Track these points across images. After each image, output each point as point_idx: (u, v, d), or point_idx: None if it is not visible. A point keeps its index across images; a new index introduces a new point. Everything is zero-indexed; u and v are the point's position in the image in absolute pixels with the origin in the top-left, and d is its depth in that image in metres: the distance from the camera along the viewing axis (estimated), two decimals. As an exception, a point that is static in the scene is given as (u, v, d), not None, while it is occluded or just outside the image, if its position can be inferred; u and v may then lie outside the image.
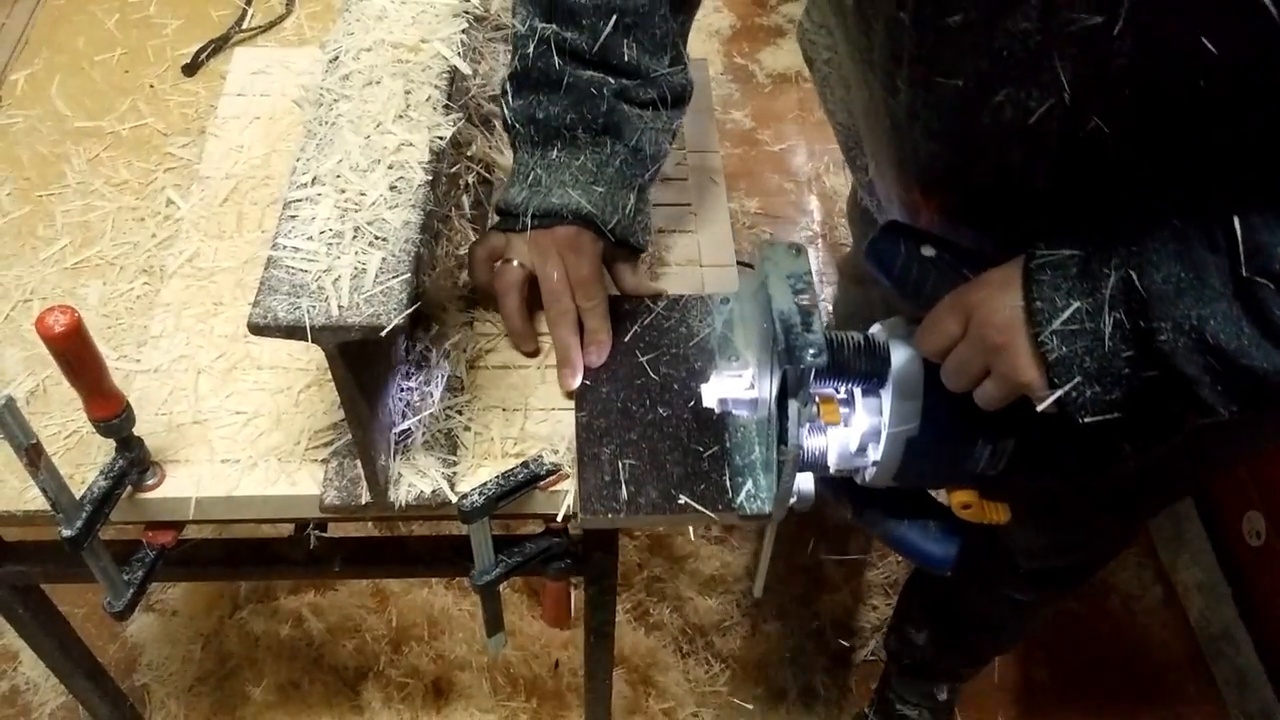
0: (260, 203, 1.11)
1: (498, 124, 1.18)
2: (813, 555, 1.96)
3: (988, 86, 0.76)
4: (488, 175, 1.14)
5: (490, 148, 1.15)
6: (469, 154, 1.13)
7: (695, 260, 1.10)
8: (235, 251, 1.07)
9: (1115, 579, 1.98)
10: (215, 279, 1.05)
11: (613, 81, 0.94)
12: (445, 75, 0.89)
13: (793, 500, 0.87)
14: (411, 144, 0.83)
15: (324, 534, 1.02)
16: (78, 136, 1.21)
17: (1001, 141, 0.79)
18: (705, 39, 2.81)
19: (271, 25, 1.35)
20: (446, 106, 0.87)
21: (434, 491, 0.90)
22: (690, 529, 1.90)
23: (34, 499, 0.92)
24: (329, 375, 0.96)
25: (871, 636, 1.89)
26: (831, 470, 0.90)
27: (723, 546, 1.97)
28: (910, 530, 0.96)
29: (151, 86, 1.27)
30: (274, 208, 1.11)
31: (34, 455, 0.77)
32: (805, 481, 0.89)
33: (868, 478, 0.90)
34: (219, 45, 1.31)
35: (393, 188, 0.81)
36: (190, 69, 1.28)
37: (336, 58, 0.90)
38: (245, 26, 1.34)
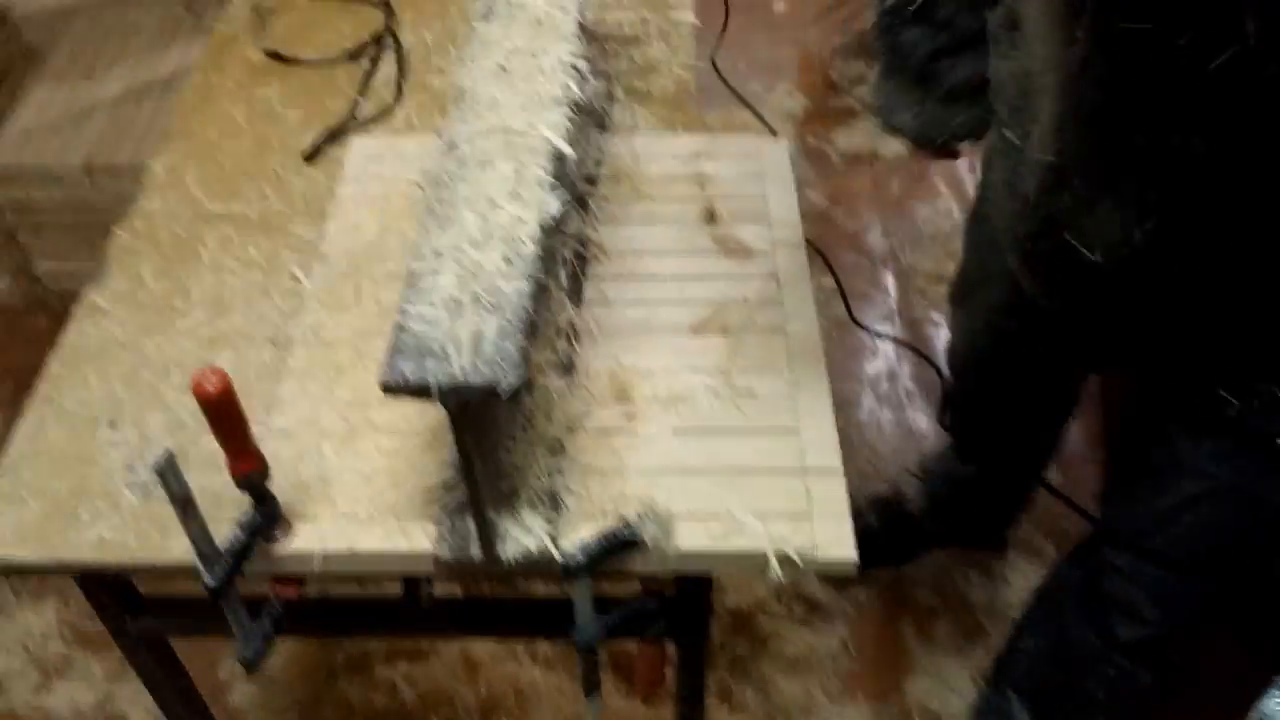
0: (376, 278, 1.20)
1: (592, 203, 1.26)
2: (900, 637, 1.95)
3: (1173, 29, 0.78)
4: (582, 250, 1.22)
5: (585, 224, 1.23)
6: (566, 230, 1.20)
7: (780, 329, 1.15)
8: (354, 323, 1.16)
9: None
10: (336, 348, 1.13)
11: None
12: (551, 157, 0.97)
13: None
14: (523, 220, 0.91)
15: (433, 594, 1.08)
16: (210, 219, 1.32)
17: (1171, 92, 0.82)
18: (779, 121, 2.89)
19: (382, 115, 1.46)
20: (553, 185, 0.95)
21: (539, 549, 0.95)
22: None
23: (174, 552, 1.00)
24: (440, 438, 1.04)
25: (960, 722, 1.87)
26: None
27: (807, 628, 1.97)
28: None
29: (276, 173, 1.38)
30: (389, 282, 1.19)
31: (186, 507, 0.85)
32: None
33: None
34: (335, 134, 1.42)
35: (506, 260, 0.88)
36: (310, 156, 1.39)
37: (454, 143, 0.99)
38: (359, 117, 1.45)
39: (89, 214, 2.19)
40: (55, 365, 1.17)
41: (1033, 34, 1.02)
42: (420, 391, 0.80)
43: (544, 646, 1.85)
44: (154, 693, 1.21)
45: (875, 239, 2.62)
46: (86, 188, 2.15)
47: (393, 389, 0.81)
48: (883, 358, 2.33)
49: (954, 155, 1.35)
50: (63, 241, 2.26)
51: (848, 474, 1.03)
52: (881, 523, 1.95)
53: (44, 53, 2.73)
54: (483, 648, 1.84)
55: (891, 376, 2.29)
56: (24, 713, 1.84)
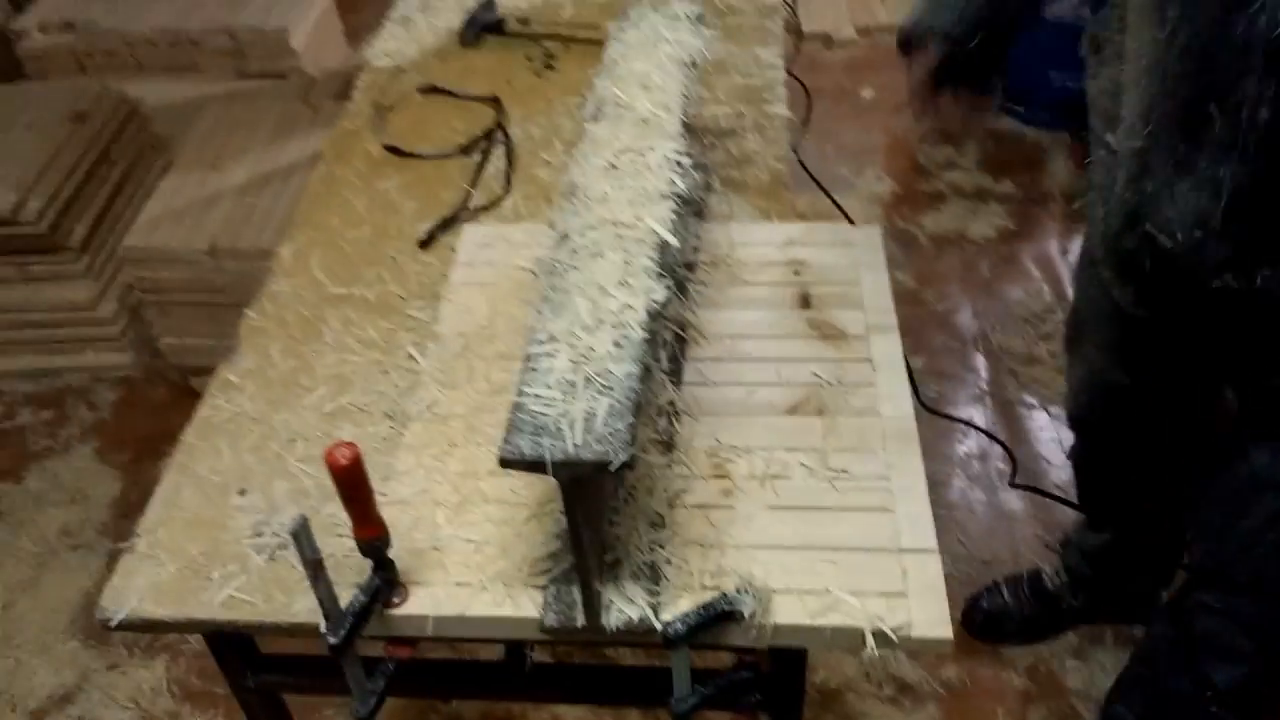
0: (487, 357, 1.27)
1: (691, 288, 1.32)
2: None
3: None
4: (682, 333, 1.27)
5: (684, 308, 1.29)
6: (667, 314, 1.26)
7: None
8: (466, 400, 1.23)
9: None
10: (450, 423, 1.20)
11: None
12: (657, 247, 1.04)
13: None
14: (631, 306, 0.97)
15: (534, 659, 1.12)
16: (333, 301, 1.41)
17: (1247, 57, 0.90)
18: (867, 204, 2.95)
19: (492, 205, 1.55)
20: (659, 274, 1.01)
21: (640, 618, 0.99)
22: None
23: (298, 613, 1.06)
24: (547, 509, 1.09)
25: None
26: None
27: (894, 706, 1.96)
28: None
29: (393, 258, 1.47)
30: (498, 361, 1.26)
31: (316, 569, 0.91)
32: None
33: None
34: (448, 223, 1.51)
35: (616, 344, 0.94)
36: (425, 243, 1.48)
37: (566, 234, 1.06)
38: (470, 207, 1.54)
39: (211, 293, 2.34)
40: (190, 436, 1.26)
41: (1130, 29, 1.10)
42: (535, 466, 0.86)
43: (634, 716, 1.87)
44: (267, 749, 1.27)
45: (965, 320, 2.64)
46: (210, 269, 2.30)
47: (510, 463, 0.86)
48: (974, 438, 2.33)
49: (985, 104, 1.39)
50: (185, 318, 2.41)
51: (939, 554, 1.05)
52: (1019, 600, 1.96)
53: (171, 143, 2.95)
54: (573, 714, 1.87)
55: (983, 457, 2.29)
56: (132, 765, 1.92)
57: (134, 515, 1.18)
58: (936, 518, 1.07)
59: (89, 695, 2.04)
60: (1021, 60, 2.86)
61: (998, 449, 2.28)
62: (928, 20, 1.32)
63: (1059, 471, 2.23)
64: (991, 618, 1.97)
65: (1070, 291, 2.59)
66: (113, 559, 2.18)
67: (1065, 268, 2.73)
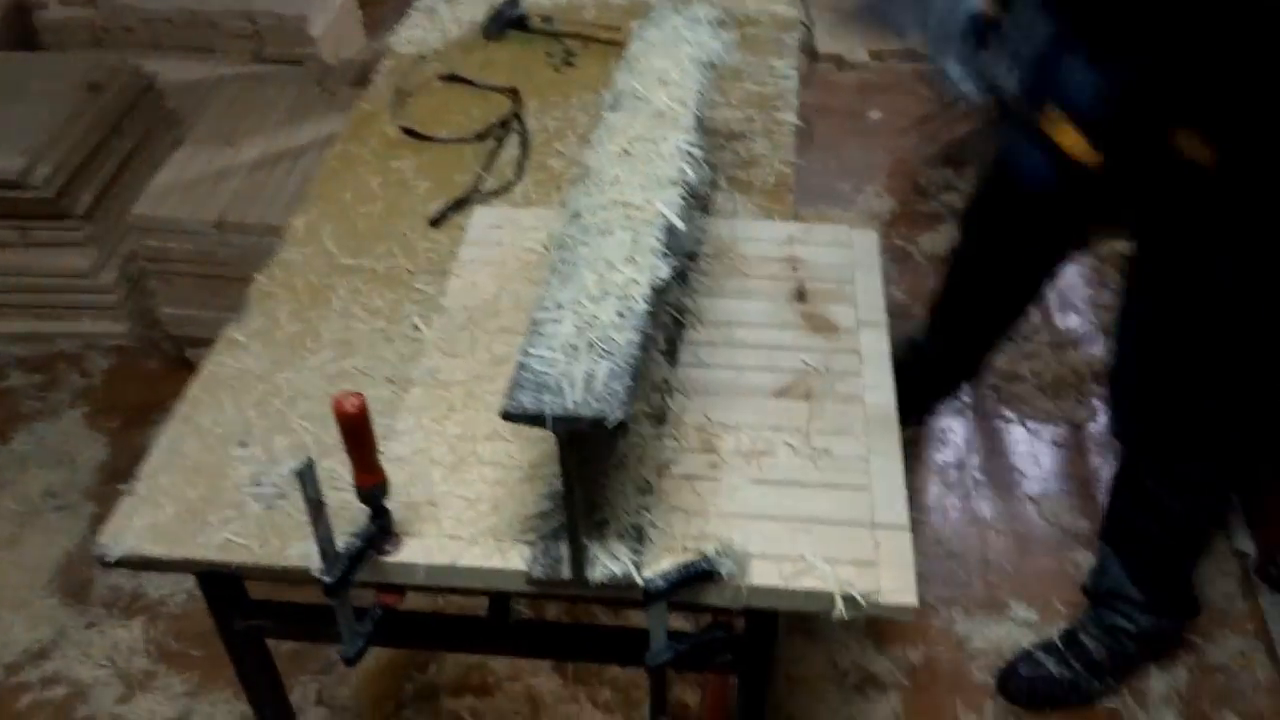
0: (490, 330, 1.32)
1: (692, 276, 1.37)
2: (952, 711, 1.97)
3: None
4: (680, 317, 1.32)
5: (684, 295, 1.34)
6: (667, 299, 1.32)
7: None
8: (467, 368, 1.27)
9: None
10: (450, 389, 1.25)
11: None
12: (664, 229, 1.09)
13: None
14: (636, 281, 1.02)
15: (518, 615, 1.17)
16: (343, 271, 1.46)
17: None
18: (866, 220, 3.02)
19: (504, 190, 1.60)
20: (665, 254, 1.06)
21: (623, 573, 1.04)
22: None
23: (291, 557, 1.10)
24: (540, 472, 1.14)
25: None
26: None
27: (859, 694, 2.00)
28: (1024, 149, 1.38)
29: (404, 235, 1.52)
30: (501, 335, 1.31)
31: (318, 510, 0.96)
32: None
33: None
34: (460, 204, 1.56)
35: (619, 314, 0.99)
36: (436, 222, 1.53)
37: (577, 212, 1.11)
38: (482, 190, 1.59)
39: (215, 267, 2.37)
40: (195, 389, 1.30)
41: None
42: (536, 420, 0.91)
43: (605, 691, 1.90)
44: (249, 690, 1.31)
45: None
46: (215, 242, 2.34)
47: (512, 417, 0.91)
48: (952, 447, 2.39)
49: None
50: (186, 289, 2.45)
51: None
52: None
53: (184, 120, 2.99)
54: (547, 686, 1.91)
55: (960, 465, 2.35)
56: (104, 722, 1.94)
57: (120, 480, 1.21)
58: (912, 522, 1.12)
59: (64, 652, 2.05)
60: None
61: (976, 459, 2.34)
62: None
63: (1031, 484, 2.30)
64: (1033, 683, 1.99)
65: (1056, 316, 2.68)
66: (95, 521, 2.23)
67: (1053, 291, 2.80)
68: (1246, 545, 2.16)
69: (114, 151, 2.75)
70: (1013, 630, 2.07)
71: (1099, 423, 2.47)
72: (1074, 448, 2.32)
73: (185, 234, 2.35)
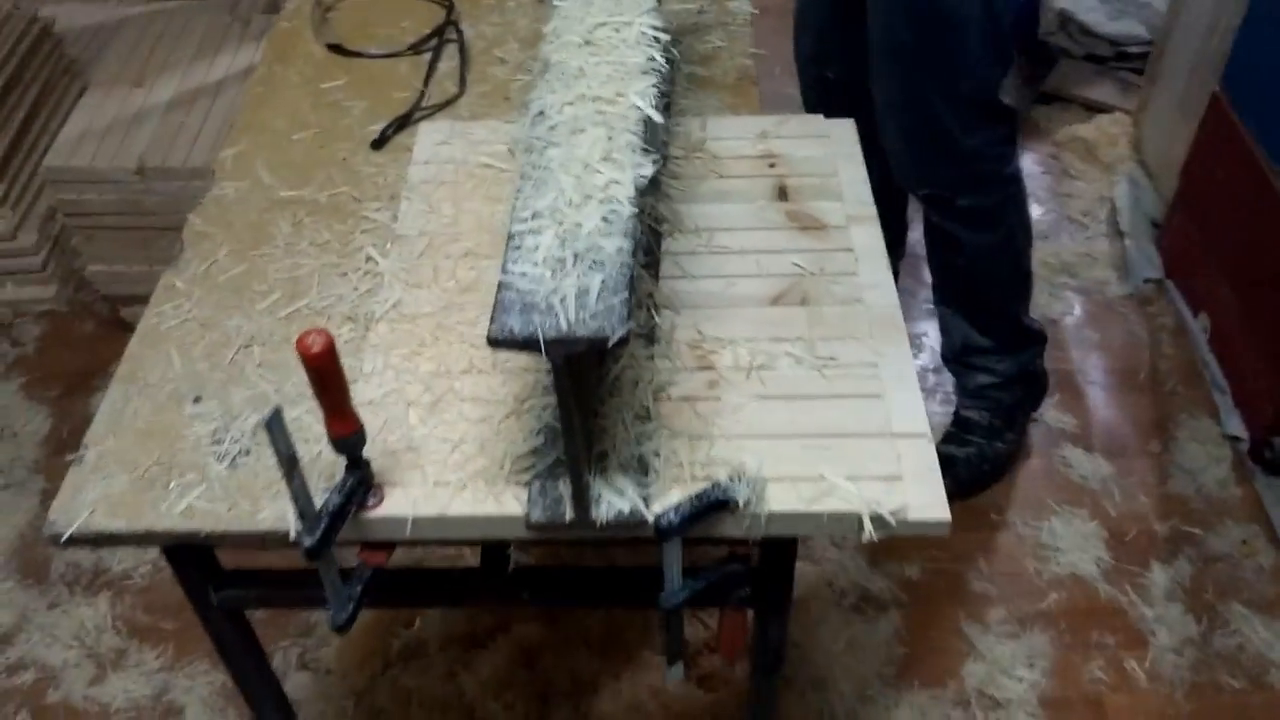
0: (453, 255, 1.21)
1: (662, 180, 1.27)
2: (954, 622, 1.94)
3: None
4: (657, 227, 1.22)
5: (658, 200, 1.24)
6: (641, 208, 1.21)
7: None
8: (433, 299, 1.17)
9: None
10: (417, 323, 1.14)
11: None
12: (641, 123, 0.98)
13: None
14: (618, 181, 0.92)
15: (511, 565, 1.08)
16: (282, 204, 1.33)
17: None
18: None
19: (447, 104, 1.47)
20: (645, 150, 0.96)
21: (632, 509, 0.95)
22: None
23: (264, 520, 1.00)
24: (527, 406, 1.04)
25: (1019, 706, 1.85)
26: None
27: (858, 614, 1.96)
28: None
29: (344, 160, 1.39)
30: (465, 260, 1.20)
31: (290, 465, 0.86)
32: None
33: None
34: (402, 122, 1.43)
35: (605, 219, 0.89)
36: (378, 144, 1.41)
37: (542, 111, 1.00)
38: (424, 106, 1.46)
39: (140, 216, 2.22)
40: (135, 344, 1.18)
41: None
42: (528, 345, 0.81)
43: (600, 635, 1.84)
44: (230, 664, 1.22)
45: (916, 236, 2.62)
46: (138, 190, 2.18)
47: (501, 343, 0.81)
48: (928, 352, 2.34)
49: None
50: (113, 245, 2.29)
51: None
52: None
53: (87, 67, 2.78)
54: (540, 636, 1.84)
55: (938, 369, 2.29)
56: (80, 705, 1.85)
57: (66, 452, 1.10)
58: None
59: (29, 636, 1.95)
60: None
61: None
62: None
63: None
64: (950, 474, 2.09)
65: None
66: (46, 496, 2.11)
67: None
68: (1238, 429, 2.14)
69: (16, 105, 2.55)
70: (1007, 535, 2.04)
71: (1075, 316, 2.43)
72: (1052, 343, 2.27)
73: (104, 184, 2.19)
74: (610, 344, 0.80)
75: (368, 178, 1.36)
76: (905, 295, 2.45)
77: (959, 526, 2.03)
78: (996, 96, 1.73)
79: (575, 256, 0.86)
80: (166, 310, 1.21)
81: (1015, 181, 1.89)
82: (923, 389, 2.24)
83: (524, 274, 0.85)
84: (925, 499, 0.97)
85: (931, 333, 2.37)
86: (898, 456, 1.00)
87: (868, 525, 0.95)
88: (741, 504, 0.95)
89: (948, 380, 2.25)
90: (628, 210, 0.89)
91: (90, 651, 1.92)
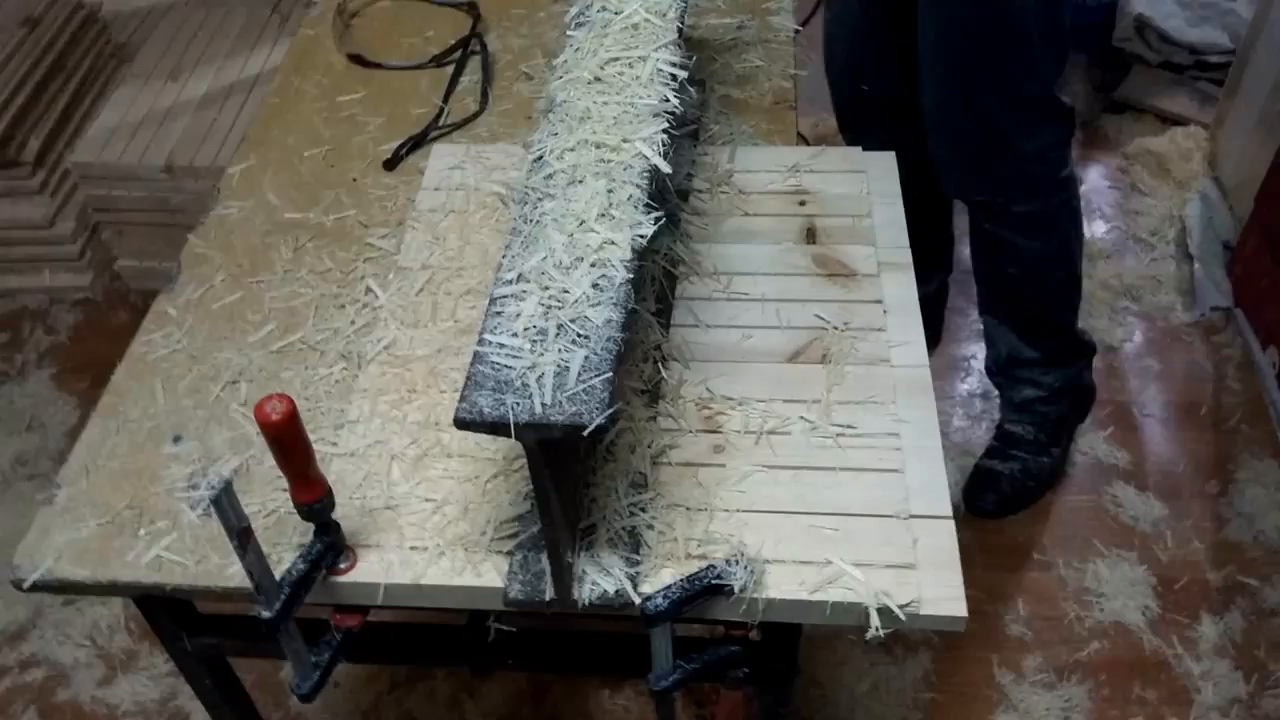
0: (454, 293, 1.14)
1: (683, 218, 1.19)
2: (985, 668, 1.85)
3: None
4: (671, 269, 1.15)
5: (675, 241, 1.16)
6: (656, 249, 1.13)
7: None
8: (429, 340, 1.10)
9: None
10: (410, 366, 1.08)
11: None
12: (646, 174, 0.90)
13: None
14: (614, 242, 0.84)
15: (500, 625, 1.02)
16: (285, 227, 1.27)
17: None
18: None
19: (466, 122, 1.40)
20: (648, 205, 0.88)
21: (617, 591, 0.88)
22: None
23: (233, 576, 0.95)
24: (515, 466, 0.97)
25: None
26: None
27: (886, 654, 1.88)
28: None
29: (354, 180, 1.33)
30: (466, 298, 1.14)
31: (244, 539, 0.80)
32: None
33: None
34: (418, 141, 1.37)
35: (595, 285, 0.81)
36: (390, 164, 1.34)
37: (541, 157, 0.92)
38: (441, 124, 1.40)
39: (169, 214, 2.19)
40: (121, 376, 1.14)
41: None
42: (497, 429, 0.74)
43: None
44: (210, 710, 1.17)
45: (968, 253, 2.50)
46: (167, 188, 2.15)
47: (468, 425, 0.74)
48: (976, 375, 2.23)
49: None
50: (143, 240, 2.27)
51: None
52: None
53: (134, 53, 2.76)
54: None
55: (986, 395, 2.18)
56: (88, 705, 1.84)
57: None
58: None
59: (42, 632, 1.94)
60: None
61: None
62: None
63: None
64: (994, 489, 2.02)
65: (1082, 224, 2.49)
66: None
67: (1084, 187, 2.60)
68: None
69: (59, 91, 2.54)
70: (1048, 576, 1.93)
71: (1135, 343, 2.30)
72: (1107, 371, 2.15)
73: (133, 180, 2.16)
74: (586, 432, 0.73)
75: (377, 200, 1.30)
76: (955, 314, 2.35)
77: (997, 565, 1.96)
78: (1056, 94, 1.63)
79: (559, 328, 0.78)
80: (156, 339, 1.16)
81: (1071, 185, 1.79)
82: (969, 416, 2.17)
83: (501, 345, 0.78)
84: (941, 591, 0.89)
85: (981, 355, 2.26)
86: (913, 542, 0.91)
87: (875, 619, 0.87)
88: (738, 589, 0.88)
89: (995, 406, 2.15)
90: (621, 276, 0.82)
91: (101, 651, 1.91)
